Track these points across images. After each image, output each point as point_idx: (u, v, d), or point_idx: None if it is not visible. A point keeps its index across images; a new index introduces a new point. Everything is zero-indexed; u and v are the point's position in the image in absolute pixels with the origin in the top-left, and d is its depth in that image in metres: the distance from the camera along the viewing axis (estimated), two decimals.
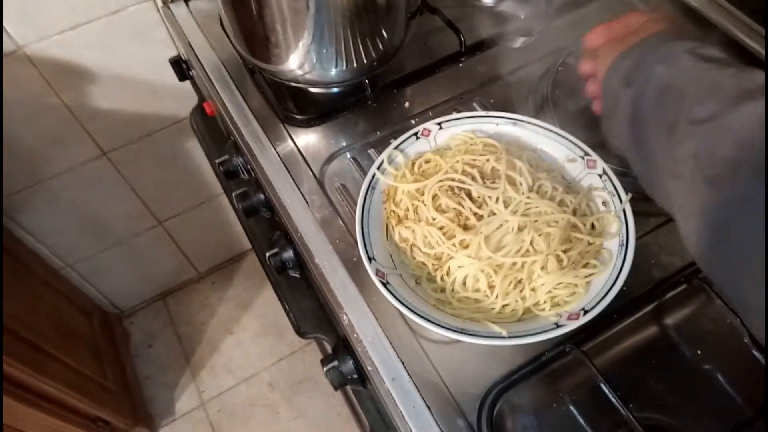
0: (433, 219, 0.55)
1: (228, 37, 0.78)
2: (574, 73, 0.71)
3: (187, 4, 0.84)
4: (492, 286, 0.52)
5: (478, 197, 0.56)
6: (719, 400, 0.53)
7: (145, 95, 1.09)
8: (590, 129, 0.65)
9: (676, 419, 0.52)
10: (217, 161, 0.75)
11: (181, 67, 0.87)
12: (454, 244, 0.54)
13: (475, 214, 0.55)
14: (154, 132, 1.16)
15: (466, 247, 0.53)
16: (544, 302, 0.51)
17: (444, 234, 0.54)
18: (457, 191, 0.56)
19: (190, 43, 0.79)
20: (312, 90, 0.74)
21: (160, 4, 0.93)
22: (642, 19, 0.51)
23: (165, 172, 1.27)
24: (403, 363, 0.53)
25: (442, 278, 0.54)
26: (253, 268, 1.64)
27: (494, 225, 0.54)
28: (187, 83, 1.07)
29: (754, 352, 0.52)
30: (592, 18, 0.79)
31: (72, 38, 0.94)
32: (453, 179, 0.56)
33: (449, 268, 0.54)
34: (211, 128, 0.87)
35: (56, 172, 1.13)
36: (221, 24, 0.81)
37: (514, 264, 0.52)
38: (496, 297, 0.52)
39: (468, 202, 0.55)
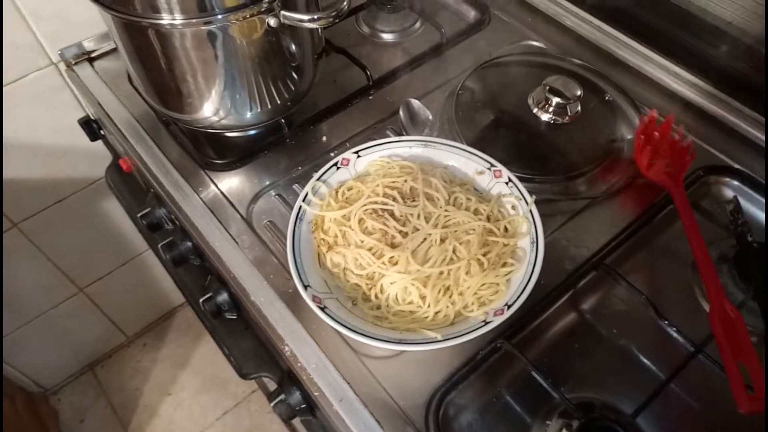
0: (362, 241, 0.58)
1: (138, 92, 0.79)
2: (473, 97, 0.78)
3: (92, 65, 0.84)
4: (423, 296, 0.55)
5: (401, 216, 0.60)
6: (637, 370, 0.58)
7: (55, 160, 1.06)
8: (493, 143, 0.71)
9: (603, 394, 0.56)
10: (139, 214, 0.75)
11: (91, 127, 0.86)
12: (384, 263, 0.57)
13: (400, 231, 0.58)
14: (68, 196, 1.13)
15: (396, 263, 0.57)
16: (472, 303, 0.55)
17: (373, 254, 0.58)
18: (380, 213, 0.60)
19: (99, 103, 0.79)
20: (229, 134, 0.76)
21: (63, 68, 0.93)
22: None
23: (82, 236, 1.23)
24: (348, 383, 0.55)
25: (376, 296, 0.57)
26: (185, 323, 1.59)
27: (419, 239, 0.58)
28: (99, 143, 1.06)
29: (660, 322, 0.58)
30: (483, 43, 0.87)
31: None
32: (376, 202, 0.60)
33: (382, 285, 0.57)
34: (129, 184, 0.87)
35: None
36: (129, 81, 0.81)
37: (441, 273, 0.56)
38: (428, 306, 0.55)
39: (392, 222, 0.59)
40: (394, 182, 0.61)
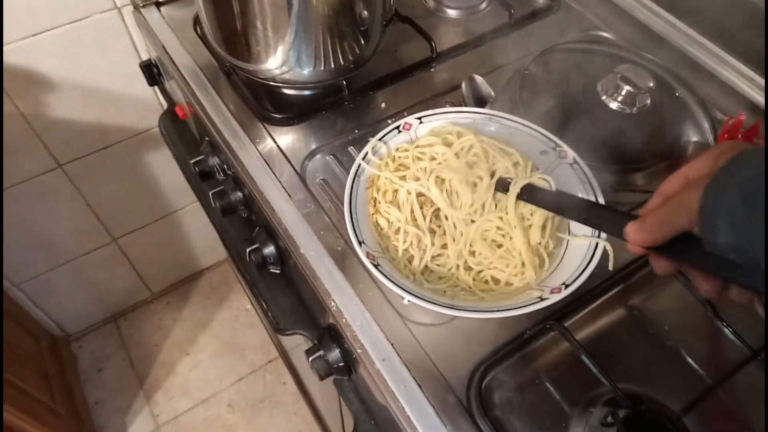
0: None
1: (203, 40, 0.80)
2: (538, 79, 0.76)
3: (159, 10, 0.84)
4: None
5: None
6: (686, 369, 0.56)
7: (106, 106, 1.07)
8: (555, 126, 0.69)
9: (649, 389, 0.55)
10: (193, 161, 0.75)
11: (152, 71, 0.86)
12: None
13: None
14: (114, 144, 1.14)
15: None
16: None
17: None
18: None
19: (164, 47, 0.79)
20: (288, 91, 0.76)
21: (127, 11, 0.93)
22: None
23: (122, 186, 1.24)
24: (392, 344, 0.54)
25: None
26: (210, 287, 1.60)
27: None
28: (151, 94, 1.07)
29: (717, 323, 0.56)
30: (550, 29, 0.85)
31: (32, 45, 0.92)
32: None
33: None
34: (182, 133, 0.87)
35: (7, 185, 1.08)
36: (195, 28, 0.81)
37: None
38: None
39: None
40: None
